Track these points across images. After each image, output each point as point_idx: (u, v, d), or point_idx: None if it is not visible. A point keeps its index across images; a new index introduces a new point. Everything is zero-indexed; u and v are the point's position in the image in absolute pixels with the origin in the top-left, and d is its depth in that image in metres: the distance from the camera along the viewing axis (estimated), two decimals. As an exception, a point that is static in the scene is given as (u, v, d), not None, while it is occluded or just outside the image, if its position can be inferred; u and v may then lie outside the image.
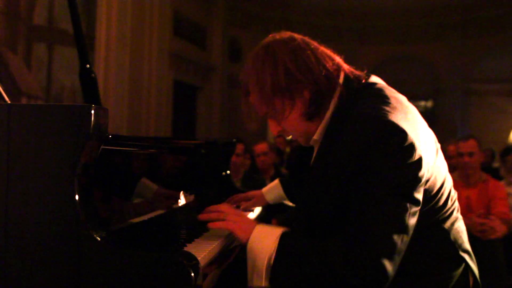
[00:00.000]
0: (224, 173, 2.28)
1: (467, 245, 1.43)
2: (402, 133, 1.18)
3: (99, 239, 1.07)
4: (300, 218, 1.52)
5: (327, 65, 1.33)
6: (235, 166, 4.19)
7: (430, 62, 13.05)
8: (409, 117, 1.27)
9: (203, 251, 1.28)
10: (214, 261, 1.38)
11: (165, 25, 8.69)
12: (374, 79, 1.41)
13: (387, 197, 1.16)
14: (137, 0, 7.92)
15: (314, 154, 1.43)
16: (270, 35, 1.41)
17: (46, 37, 6.54)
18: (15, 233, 1.10)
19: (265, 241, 1.25)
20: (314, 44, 1.38)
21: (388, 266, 1.14)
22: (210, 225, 1.38)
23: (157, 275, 1.05)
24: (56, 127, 1.11)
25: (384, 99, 1.29)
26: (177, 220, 1.64)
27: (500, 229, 3.16)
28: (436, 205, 1.34)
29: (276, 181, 2.01)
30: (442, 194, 1.35)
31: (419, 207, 1.21)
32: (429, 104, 13.48)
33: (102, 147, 1.16)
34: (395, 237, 1.15)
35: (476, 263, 1.44)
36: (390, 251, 1.15)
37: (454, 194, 1.44)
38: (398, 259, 1.16)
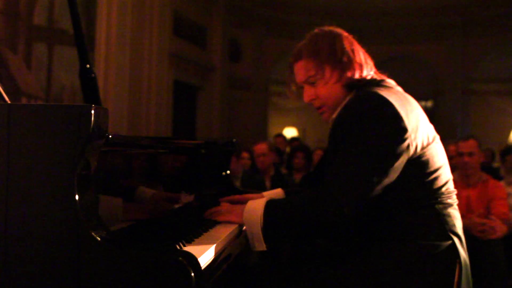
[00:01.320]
0: (224, 173, 2.28)
1: (459, 231, 1.49)
2: (388, 104, 1.40)
3: (99, 239, 1.07)
4: None
5: (367, 62, 1.63)
6: (233, 167, 4.19)
7: (430, 62, 13.05)
8: (401, 99, 1.48)
9: (203, 251, 1.28)
10: (214, 261, 1.38)
11: (165, 25, 8.69)
12: (391, 81, 1.63)
13: (361, 154, 1.37)
14: (137, 0, 7.92)
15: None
16: (328, 26, 1.69)
17: (46, 37, 6.54)
18: (15, 233, 1.10)
19: (255, 211, 1.46)
20: (360, 46, 1.66)
21: (345, 206, 1.35)
22: (219, 218, 1.62)
23: (157, 275, 1.05)
24: (56, 127, 1.11)
25: (386, 87, 1.53)
26: (177, 220, 1.64)
27: (500, 229, 3.16)
28: (430, 184, 1.46)
29: (279, 190, 1.99)
30: (436, 178, 1.47)
31: (389, 173, 1.38)
32: (429, 104, 13.49)
33: (102, 147, 1.16)
34: (359, 187, 1.36)
35: (467, 254, 1.48)
36: (351, 198, 1.36)
37: (453, 190, 1.54)
38: (358, 206, 1.37)
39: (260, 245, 1.46)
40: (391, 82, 1.61)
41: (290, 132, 12.67)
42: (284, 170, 5.40)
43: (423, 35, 12.84)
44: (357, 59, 1.59)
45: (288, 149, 6.69)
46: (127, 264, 1.07)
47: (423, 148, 1.46)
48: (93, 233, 1.07)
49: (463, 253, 1.44)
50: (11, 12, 6.03)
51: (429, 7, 12.37)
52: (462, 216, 3.50)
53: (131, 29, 7.74)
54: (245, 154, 4.95)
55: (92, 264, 1.07)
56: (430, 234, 1.44)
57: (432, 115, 13.91)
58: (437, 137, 1.56)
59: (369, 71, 1.61)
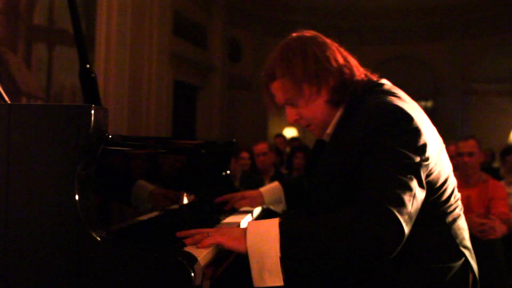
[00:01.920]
0: (224, 173, 2.28)
1: (467, 243, 1.45)
2: (409, 117, 1.27)
3: (99, 239, 1.07)
4: (312, 207, 1.54)
5: (350, 61, 1.46)
6: (233, 167, 4.20)
7: (430, 62, 13.04)
8: (415, 109, 1.36)
9: (203, 251, 1.28)
10: (214, 261, 1.37)
11: (165, 25, 8.69)
12: (383, 81, 1.50)
13: (397, 170, 1.21)
14: (137, 0, 7.92)
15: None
16: (294, 34, 1.53)
17: (46, 37, 6.54)
18: (15, 233, 1.10)
19: (266, 235, 1.19)
20: (336, 44, 1.51)
21: (401, 219, 1.13)
22: (199, 246, 1.27)
23: (157, 275, 1.05)
24: (56, 127, 1.11)
25: (393, 94, 1.40)
26: (177, 220, 1.64)
27: (500, 229, 3.16)
28: (439, 199, 1.38)
29: (276, 183, 1.97)
30: (445, 190, 1.40)
31: (422, 189, 1.25)
32: (429, 104, 13.48)
33: (102, 147, 1.16)
34: (404, 197, 1.17)
35: (476, 262, 1.46)
36: (401, 206, 1.15)
37: (458, 194, 1.49)
38: (409, 219, 1.16)
39: (274, 278, 1.17)
40: (386, 82, 1.50)
41: (290, 132, 12.66)
42: (284, 170, 5.40)
43: (423, 35, 12.83)
44: (333, 68, 1.41)
45: (288, 149, 6.69)
46: (127, 264, 1.07)
47: (435, 163, 1.36)
48: (93, 233, 1.07)
49: (474, 265, 1.42)
50: (11, 12, 6.03)
51: (429, 7, 12.36)
52: (462, 216, 3.49)
53: (131, 29, 7.73)
54: (245, 154, 4.95)
55: (92, 264, 1.07)
56: (443, 255, 1.36)
57: (432, 115, 13.86)
58: (442, 142, 1.48)
59: (353, 73, 1.44)
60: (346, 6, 12.44)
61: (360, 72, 1.48)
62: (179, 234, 1.34)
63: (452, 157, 4.36)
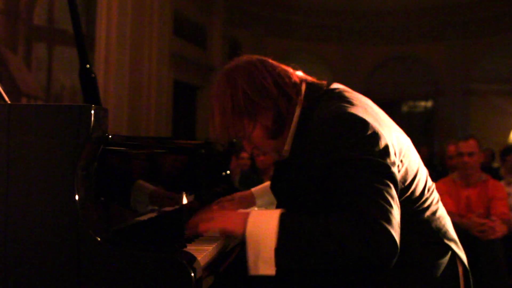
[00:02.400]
0: (224, 173, 2.28)
1: (452, 234, 1.43)
2: (364, 123, 1.24)
3: (99, 239, 1.07)
4: None
5: (286, 84, 1.39)
6: (233, 167, 4.19)
7: (430, 62, 13.05)
8: (369, 111, 1.32)
9: (203, 251, 1.28)
10: (214, 262, 1.38)
11: (165, 25, 8.69)
12: (335, 85, 1.45)
13: (368, 178, 1.18)
14: (137, 0, 7.92)
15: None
16: (233, 60, 1.48)
17: (46, 37, 6.54)
18: (15, 233, 1.10)
19: (265, 225, 1.21)
20: (272, 64, 1.43)
21: (391, 229, 1.14)
22: (200, 229, 1.35)
23: (157, 275, 1.06)
24: (56, 127, 1.11)
25: (342, 99, 1.35)
26: (177, 220, 1.64)
27: (500, 229, 3.16)
28: (411, 196, 1.36)
29: (269, 183, 1.93)
30: (416, 185, 1.38)
31: (397, 189, 1.23)
32: (429, 104, 13.48)
33: (102, 147, 1.16)
34: (389, 206, 1.16)
35: (463, 251, 1.44)
36: (388, 217, 1.15)
37: (432, 185, 1.46)
38: (397, 227, 1.16)
39: (267, 268, 1.20)
40: (337, 86, 1.44)
41: (290, 132, 12.66)
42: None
43: (423, 35, 12.84)
44: (265, 102, 1.36)
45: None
46: (127, 264, 1.07)
47: (401, 160, 1.32)
48: (93, 233, 1.07)
49: (462, 255, 1.41)
50: (11, 12, 6.03)
51: (429, 7, 12.37)
52: (462, 216, 3.51)
53: (131, 29, 7.74)
54: (245, 154, 4.95)
55: (92, 264, 1.07)
56: (428, 253, 1.35)
57: (432, 115, 13.92)
58: (406, 138, 1.44)
59: (289, 99, 1.38)
60: (346, 6, 12.45)
61: (307, 82, 1.43)
62: (189, 226, 1.45)
63: (452, 157, 4.37)
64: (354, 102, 1.34)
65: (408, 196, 1.35)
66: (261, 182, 4.37)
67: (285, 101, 1.38)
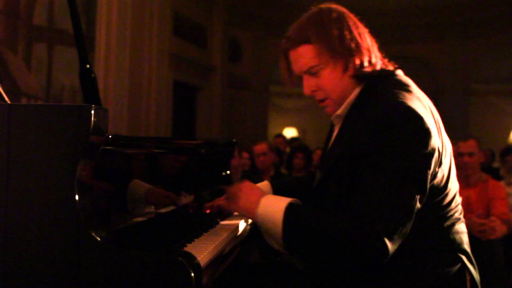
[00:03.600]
0: (224, 173, 2.28)
1: (466, 247, 1.42)
2: (420, 120, 1.24)
3: (99, 239, 1.07)
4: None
5: (374, 44, 1.46)
6: (233, 167, 4.19)
7: (430, 62, 13.04)
8: (428, 110, 1.33)
9: (203, 251, 1.28)
10: (214, 262, 1.38)
11: (165, 25, 8.69)
12: (400, 72, 1.49)
13: (397, 179, 1.20)
14: (137, 0, 7.92)
15: (335, 132, 1.51)
16: (324, 4, 1.50)
17: (46, 37, 6.54)
18: (15, 233, 1.10)
19: (273, 216, 1.30)
20: (363, 25, 1.48)
21: (388, 244, 1.17)
22: (230, 208, 1.58)
23: (157, 275, 1.05)
24: (56, 127, 1.11)
25: (406, 88, 1.37)
26: (177, 220, 1.64)
27: (500, 230, 3.16)
28: (441, 202, 1.36)
29: (266, 183, 1.93)
30: (447, 193, 1.37)
31: (424, 196, 1.25)
32: (429, 104, 13.48)
33: (102, 147, 1.15)
34: (399, 218, 1.19)
35: (476, 267, 1.43)
36: (392, 230, 1.18)
37: (459, 199, 1.45)
38: (398, 239, 1.20)
39: (280, 248, 1.33)
40: (400, 73, 1.48)
41: (290, 132, 12.67)
42: (284, 170, 5.39)
43: (423, 35, 12.83)
44: (365, 44, 1.40)
45: (288, 149, 6.68)
46: (127, 264, 1.07)
47: (441, 162, 1.32)
48: (93, 233, 1.07)
49: (472, 269, 1.40)
50: (11, 12, 6.03)
51: (429, 7, 12.36)
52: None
53: (131, 29, 7.73)
54: (245, 154, 4.95)
55: (92, 264, 1.07)
56: (438, 259, 1.35)
57: (432, 115, 13.88)
58: (450, 143, 1.45)
59: (377, 58, 1.43)
60: (346, 6, 12.43)
61: (379, 57, 1.46)
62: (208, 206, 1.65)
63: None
64: (416, 95, 1.35)
65: (438, 200, 1.35)
66: (262, 181, 4.38)
67: (375, 55, 1.44)
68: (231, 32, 11.65)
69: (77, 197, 1.08)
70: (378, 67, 1.42)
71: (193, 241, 1.42)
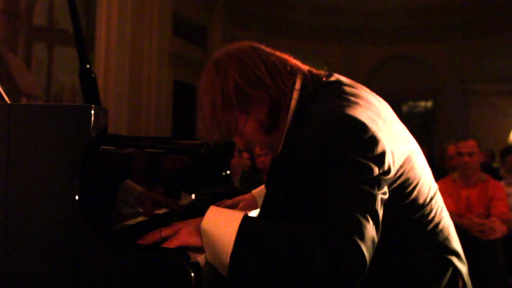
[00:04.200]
0: (224, 173, 2.28)
1: (454, 244, 1.37)
2: (361, 126, 1.15)
3: (99, 239, 1.07)
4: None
5: (281, 74, 1.29)
6: (233, 167, 4.19)
7: (430, 62, 13.05)
8: (369, 113, 1.22)
9: (203, 251, 1.28)
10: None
11: (165, 25, 8.69)
12: (335, 76, 1.35)
13: (353, 185, 1.10)
14: (137, 0, 7.92)
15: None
16: (223, 48, 1.38)
17: (46, 37, 6.54)
18: (15, 233, 1.10)
19: (226, 223, 1.11)
20: (266, 51, 1.33)
21: (361, 244, 1.04)
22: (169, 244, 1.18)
23: (157, 275, 1.05)
24: (56, 127, 1.11)
25: (342, 95, 1.25)
26: (177, 220, 1.64)
27: (499, 230, 3.16)
28: (412, 204, 1.29)
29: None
30: (418, 193, 1.30)
31: (384, 198, 1.15)
32: (429, 104, 13.47)
33: (102, 147, 1.16)
34: (366, 220, 1.07)
35: (465, 262, 1.39)
36: (361, 231, 1.05)
37: (435, 194, 1.38)
38: (370, 243, 1.06)
39: (222, 270, 1.12)
40: (338, 79, 1.34)
41: (290, 132, 12.66)
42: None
43: (423, 35, 12.84)
44: (258, 93, 1.26)
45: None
46: (127, 264, 1.07)
47: (401, 167, 1.25)
48: (93, 233, 1.07)
49: (462, 268, 1.36)
50: (11, 12, 6.03)
51: (429, 7, 12.37)
52: (462, 216, 3.50)
53: (131, 29, 7.74)
54: (245, 154, 4.95)
55: (92, 264, 1.07)
56: (429, 271, 1.30)
57: (432, 115, 13.91)
58: (412, 141, 1.36)
59: (286, 81, 1.28)
60: (346, 6, 12.45)
61: (304, 72, 1.33)
62: (140, 241, 1.21)
63: (452, 157, 4.36)
64: (355, 99, 1.23)
65: (408, 204, 1.28)
66: (262, 182, 4.38)
67: (280, 92, 1.27)
68: (231, 32, 11.66)
69: (77, 197, 1.08)
70: (293, 92, 1.28)
71: (193, 241, 1.41)
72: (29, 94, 6.27)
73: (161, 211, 1.58)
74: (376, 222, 1.09)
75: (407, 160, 1.28)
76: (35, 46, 6.42)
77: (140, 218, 1.44)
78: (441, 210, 1.39)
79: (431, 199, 1.34)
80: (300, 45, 13.06)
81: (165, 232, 1.19)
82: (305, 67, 1.35)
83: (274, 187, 1.34)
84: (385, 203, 1.15)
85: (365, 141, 1.14)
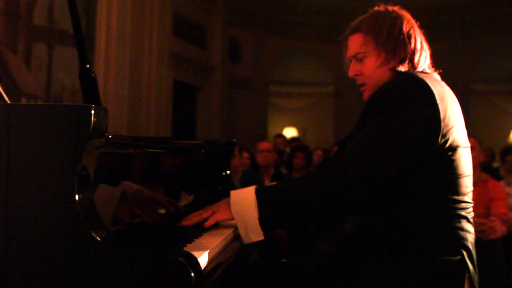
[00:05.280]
0: (224, 173, 2.28)
1: (470, 246, 1.45)
2: (429, 91, 1.38)
3: (99, 239, 1.07)
4: None
5: (425, 50, 1.60)
6: (233, 167, 4.20)
7: (430, 62, 13.05)
8: (446, 96, 1.46)
9: (203, 251, 1.28)
10: (215, 261, 1.38)
11: (165, 25, 8.69)
12: (436, 75, 1.65)
13: (385, 134, 1.36)
14: (137, 0, 7.92)
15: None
16: (388, 6, 1.63)
17: (46, 37, 6.54)
18: (15, 233, 1.10)
19: (244, 201, 1.42)
20: (420, 31, 1.64)
21: (352, 179, 1.32)
22: (206, 224, 1.51)
23: (157, 275, 1.06)
24: (56, 127, 1.11)
25: (428, 75, 1.52)
26: (177, 220, 1.64)
27: (499, 229, 3.16)
28: (451, 191, 1.45)
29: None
30: (460, 186, 1.47)
31: (403, 163, 1.36)
32: (429, 104, 13.47)
33: (102, 147, 1.16)
34: (375, 163, 1.33)
35: (476, 268, 1.43)
36: (356, 169, 1.34)
37: (471, 202, 1.57)
38: (370, 179, 1.34)
39: (257, 235, 1.41)
40: (437, 76, 1.63)
41: (290, 132, 12.67)
42: (284, 170, 5.40)
43: (423, 35, 12.83)
44: (411, 46, 1.55)
45: (288, 149, 6.69)
46: (127, 264, 1.07)
47: (453, 147, 1.42)
48: (93, 233, 1.07)
49: (471, 267, 1.41)
50: (11, 12, 6.03)
51: (429, 7, 12.37)
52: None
53: (131, 29, 7.74)
54: (245, 154, 4.96)
55: (92, 264, 1.07)
56: (442, 248, 1.39)
57: (432, 115, 13.88)
58: (469, 145, 1.55)
59: (422, 61, 1.57)
60: (346, 6, 12.44)
61: (427, 62, 1.60)
62: (184, 223, 1.52)
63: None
64: (436, 81, 1.51)
65: (449, 187, 1.44)
66: (262, 181, 4.39)
67: (419, 58, 1.57)
68: (231, 32, 11.66)
69: (77, 197, 1.08)
70: (419, 69, 1.54)
71: (193, 241, 1.42)
72: (29, 94, 6.27)
73: (162, 211, 1.58)
74: (388, 165, 1.34)
75: (462, 150, 1.47)
76: (35, 46, 6.41)
77: (140, 218, 1.44)
78: (470, 213, 1.55)
79: (467, 200, 1.53)
80: (300, 45, 13.07)
81: (206, 213, 1.51)
82: (429, 60, 1.65)
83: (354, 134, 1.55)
84: (430, 170, 1.39)
85: (425, 102, 1.37)
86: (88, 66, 1.84)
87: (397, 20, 1.56)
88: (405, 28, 1.55)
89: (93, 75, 1.85)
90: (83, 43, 1.85)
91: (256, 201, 1.40)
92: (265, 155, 4.68)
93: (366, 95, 1.59)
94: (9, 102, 1.54)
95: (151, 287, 1.06)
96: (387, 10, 1.60)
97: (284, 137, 8.31)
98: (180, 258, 1.06)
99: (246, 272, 1.63)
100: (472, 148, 3.43)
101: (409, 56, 1.54)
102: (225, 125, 11.26)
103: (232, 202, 1.45)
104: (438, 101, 1.37)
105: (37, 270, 1.10)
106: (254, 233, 1.41)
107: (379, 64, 1.54)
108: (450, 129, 1.40)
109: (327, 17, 12.73)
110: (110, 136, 1.18)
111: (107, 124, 1.15)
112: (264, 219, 1.39)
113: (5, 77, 5.70)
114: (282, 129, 12.55)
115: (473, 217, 3.42)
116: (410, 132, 1.35)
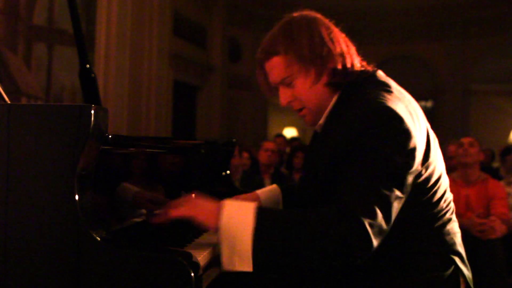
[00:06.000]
0: (224, 173, 2.28)
1: (459, 248, 1.40)
2: (399, 120, 1.22)
3: (99, 239, 1.07)
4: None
5: (350, 48, 1.41)
6: (233, 167, 4.20)
7: (430, 62, 13.04)
8: (409, 109, 1.31)
9: (203, 251, 1.28)
10: (214, 262, 1.37)
11: (165, 25, 8.69)
12: (380, 73, 1.45)
13: (378, 175, 1.19)
14: (137, 0, 7.92)
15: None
16: (295, 13, 1.47)
17: (46, 37, 6.54)
18: (15, 233, 1.11)
19: (241, 219, 1.17)
20: (338, 29, 1.45)
21: (369, 230, 1.13)
22: (168, 216, 1.28)
23: (157, 275, 1.06)
24: (56, 127, 1.11)
25: (386, 88, 1.34)
26: (177, 220, 1.64)
27: (499, 229, 3.16)
28: (431, 199, 1.35)
29: (275, 186, 1.89)
30: (436, 191, 1.36)
31: (404, 195, 1.23)
32: (429, 104, 13.47)
33: (102, 147, 1.16)
34: (379, 209, 1.16)
35: (469, 267, 1.42)
36: (372, 218, 1.14)
37: (450, 196, 1.44)
38: (379, 231, 1.15)
39: (244, 265, 1.16)
40: (380, 73, 1.44)
41: (290, 132, 12.66)
42: (284, 170, 5.40)
43: (423, 35, 12.83)
44: (338, 50, 1.36)
45: (288, 149, 6.69)
46: (127, 264, 1.07)
47: (427, 160, 1.31)
48: (93, 233, 1.08)
49: (464, 270, 1.38)
50: (11, 12, 6.03)
51: (429, 7, 12.37)
52: (462, 216, 3.51)
53: (131, 29, 7.74)
54: (245, 154, 4.97)
55: (92, 264, 1.07)
56: (430, 263, 1.33)
57: (432, 115, 13.90)
58: (436, 142, 1.42)
59: (353, 61, 1.38)
60: (346, 6, 12.44)
61: (357, 60, 1.42)
62: (155, 220, 1.32)
63: (452, 157, 4.36)
64: (396, 94, 1.33)
65: (426, 199, 1.34)
66: (262, 181, 4.40)
67: (349, 58, 1.38)
68: (231, 32, 11.65)
69: (77, 197, 1.09)
70: (355, 71, 1.38)
71: (193, 241, 1.42)
72: (29, 94, 6.26)
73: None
74: (387, 215, 1.17)
75: (432, 156, 1.34)
76: (35, 46, 6.41)
77: (140, 218, 1.44)
78: (452, 212, 1.43)
79: (445, 200, 1.40)
80: (300, 45, 13.03)
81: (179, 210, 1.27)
82: (358, 57, 1.45)
83: (312, 162, 1.43)
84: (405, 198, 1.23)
85: (399, 133, 1.22)
86: (88, 66, 1.83)
87: (313, 27, 1.38)
88: (324, 33, 1.37)
89: (93, 75, 1.85)
90: (83, 43, 1.85)
91: (254, 223, 1.16)
92: (269, 154, 4.72)
93: (308, 119, 1.43)
94: (9, 102, 1.54)
95: (151, 287, 1.06)
96: (295, 19, 1.42)
97: (284, 137, 8.31)
98: (180, 258, 1.06)
99: (246, 272, 1.62)
100: (472, 144, 3.46)
101: (340, 61, 1.35)
102: (225, 125, 11.25)
103: (224, 213, 1.19)
104: (409, 124, 1.24)
105: (37, 270, 1.10)
106: (240, 261, 1.16)
107: (311, 83, 1.36)
108: (423, 146, 1.30)
109: (327, 17, 12.72)
110: (110, 136, 1.18)
111: (107, 124, 1.15)
112: (259, 248, 1.15)
113: (5, 77, 5.70)
114: (282, 129, 12.54)
115: (473, 217, 3.41)
116: (398, 163, 1.21)
